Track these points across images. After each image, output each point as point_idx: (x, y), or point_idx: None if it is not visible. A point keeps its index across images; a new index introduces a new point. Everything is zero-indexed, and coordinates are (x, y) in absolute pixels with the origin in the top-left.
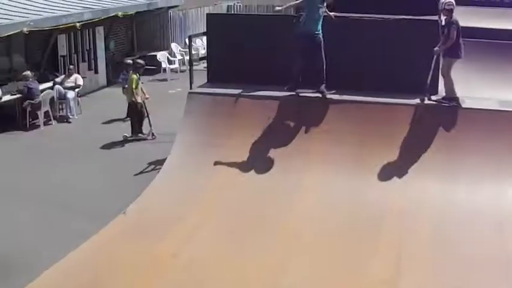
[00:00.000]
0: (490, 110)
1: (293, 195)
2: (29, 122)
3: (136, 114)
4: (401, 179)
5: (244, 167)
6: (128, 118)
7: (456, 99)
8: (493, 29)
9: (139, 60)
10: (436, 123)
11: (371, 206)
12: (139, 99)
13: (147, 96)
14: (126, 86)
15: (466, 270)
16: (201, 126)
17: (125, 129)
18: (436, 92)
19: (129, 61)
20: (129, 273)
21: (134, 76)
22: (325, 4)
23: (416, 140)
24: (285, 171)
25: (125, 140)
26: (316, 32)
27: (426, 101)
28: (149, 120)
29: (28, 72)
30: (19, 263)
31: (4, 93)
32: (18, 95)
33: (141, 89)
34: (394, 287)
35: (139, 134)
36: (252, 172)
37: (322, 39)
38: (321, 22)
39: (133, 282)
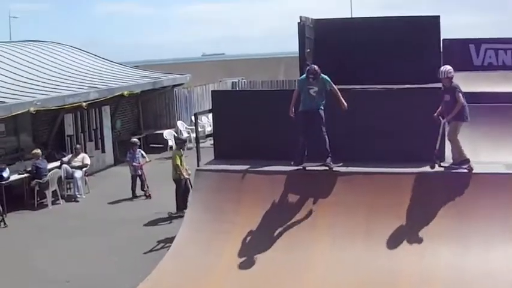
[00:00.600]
0: (498, 173)
1: (302, 272)
2: (37, 201)
3: (181, 190)
4: (412, 247)
5: (252, 244)
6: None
7: (467, 161)
8: (496, 93)
9: (181, 137)
10: (444, 189)
11: (382, 277)
12: (185, 175)
13: (189, 172)
14: (134, 163)
15: None
16: (209, 203)
17: (133, 207)
18: (443, 159)
19: (135, 140)
20: None
21: (177, 152)
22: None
23: (425, 207)
24: (293, 248)
25: (170, 217)
26: (314, 110)
27: (435, 168)
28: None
29: (38, 151)
30: None
31: (12, 173)
32: (26, 174)
33: (184, 165)
34: None
35: (184, 210)
36: (260, 249)
37: (322, 115)
38: (319, 100)
39: None
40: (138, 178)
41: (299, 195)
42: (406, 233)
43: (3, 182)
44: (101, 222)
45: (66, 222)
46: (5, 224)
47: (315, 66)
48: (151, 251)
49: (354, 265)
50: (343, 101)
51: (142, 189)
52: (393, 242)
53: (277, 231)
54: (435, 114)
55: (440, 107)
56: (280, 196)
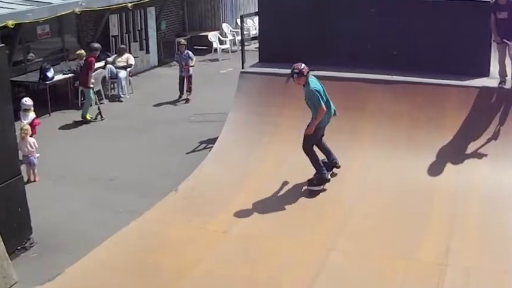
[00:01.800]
0: None
1: (342, 175)
2: (81, 101)
3: None
4: (452, 161)
5: (294, 145)
6: None
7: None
8: None
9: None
10: (490, 105)
11: (421, 187)
12: None
13: None
14: (183, 63)
15: None
16: (252, 105)
17: (176, 108)
18: (488, 74)
19: (183, 41)
20: (180, 247)
21: None
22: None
23: (469, 122)
24: (335, 149)
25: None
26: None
27: (481, 84)
28: None
29: (82, 51)
30: (73, 239)
31: (56, 73)
32: (70, 74)
33: None
34: (442, 268)
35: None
36: (302, 152)
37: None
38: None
39: (185, 255)
40: (184, 79)
41: (343, 101)
42: (447, 147)
43: (48, 82)
44: (144, 122)
45: (110, 121)
46: (102, 117)
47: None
48: (193, 151)
49: (392, 173)
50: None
51: (186, 91)
52: (432, 154)
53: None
54: (495, 36)
55: (494, 25)
56: None
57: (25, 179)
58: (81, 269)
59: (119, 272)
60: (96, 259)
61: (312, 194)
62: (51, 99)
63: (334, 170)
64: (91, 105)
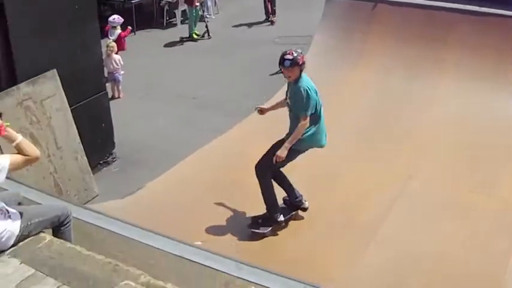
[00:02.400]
0: None
1: (424, 106)
2: (166, 20)
3: None
4: None
5: (378, 72)
6: None
7: None
8: None
9: None
10: None
11: (504, 122)
12: None
13: None
14: None
15: None
16: (337, 30)
17: (260, 29)
18: None
19: None
20: None
21: None
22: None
23: None
24: (417, 81)
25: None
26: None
27: None
28: None
29: None
30: (156, 155)
31: None
32: None
33: None
34: None
35: None
36: (385, 77)
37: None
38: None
39: None
40: (267, 1)
41: (429, 32)
42: None
43: (134, 1)
44: (229, 42)
45: (194, 41)
46: (209, 35)
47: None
48: (277, 73)
49: (475, 104)
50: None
51: (270, 13)
52: None
53: (402, 63)
54: None
55: None
56: (409, 30)
57: (110, 95)
58: (162, 184)
59: (200, 188)
60: (177, 175)
61: (255, 236)
62: (136, 18)
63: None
64: (195, 24)
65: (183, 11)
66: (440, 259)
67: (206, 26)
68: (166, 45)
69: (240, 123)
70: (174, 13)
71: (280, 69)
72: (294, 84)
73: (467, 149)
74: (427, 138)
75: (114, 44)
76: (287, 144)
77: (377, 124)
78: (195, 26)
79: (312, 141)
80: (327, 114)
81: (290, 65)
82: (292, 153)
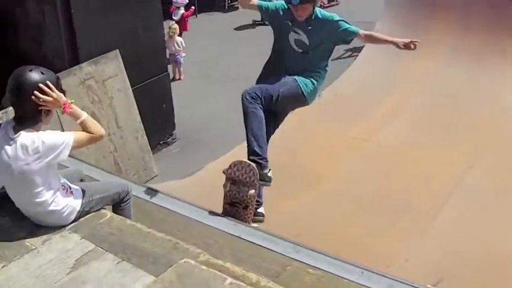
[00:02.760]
0: None
1: (487, 97)
2: (228, 3)
3: None
4: None
5: (441, 59)
6: None
7: None
8: None
9: None
10: None
11: None
12: None
13: None
14: None
15: None
16: (400, 17)
17: None
18: None
19: None
20: (320, 151)
21: None
22: None
23: None
24: (482, 71)
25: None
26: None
27: None
28: None
29: None
30: (216, 137)
31: None
32: None
33: None
34: None
35: None
36: (448, 66)
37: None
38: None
39: (324, 160)
40: None
41: (496, 20)
42: None
43: None
44: None
45: (255, 25)
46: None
47: None
48: (338, 58)
49: None
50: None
51: None
52: None
53: (466, 53)
54: None
55: None
56: (475, 17)
57: (171, 77)
58: (221, 166)
59: None
60: (237, 156)
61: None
62: (198, 1)
63: None
64: None
65: None
66: (495, 247)
67: None
68: (227, 28)
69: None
70: None
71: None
72: (310, 21)
73: None
74: (489, 129)
75: (176, 26)
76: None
77: (438, 113)
78: None
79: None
80: (386, 102)
81: (302, 1)
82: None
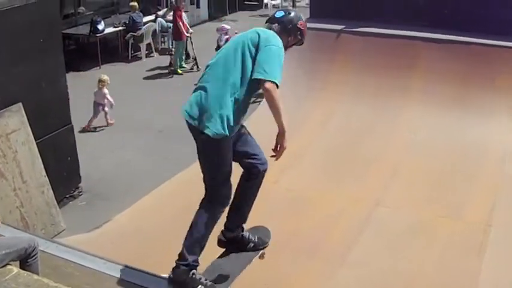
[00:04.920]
0: None
1: (391, 132)
2: (131, 53)
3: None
4: (503, 123)
5: (343, 101)
6: None
7: None
8: None
9: None
10: None
11: (470, 147)
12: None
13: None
14: None
15: None
16: (301, 60)
17: None
18: None
19: None
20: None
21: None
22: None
23: None
24: (384, 108)
25: None
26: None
27: None
28: None
29: (135, 3)
30: (123, 187)
31: (107, 26)
32: (121, 28)
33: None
34: (486, 228)
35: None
36: (352, 107)
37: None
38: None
39: None
40: None
41: (394, 59)
42: (499, 107)
43: (99, 35)
44: (195, 75)
45: (160, 74)
46: (198, 68)
47: None
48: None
49: (442, 131)
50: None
51: None
52: (485, 115)
53: (368, 93)
54: None
55: None
56: (374, 58)
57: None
58: (129, 217)
59: (167, 220)
60: (144, 207)
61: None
62: (101, 52)
63: None
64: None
65: (148, 45)
66: (411, 281)
67: (195, 58)
68: (131, 79)
69: None
70: (139, 46)
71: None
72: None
73: (434, 174)
74: (395, 163)
75: (106, 77)
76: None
77: (343, 149)
78: (181, 60)
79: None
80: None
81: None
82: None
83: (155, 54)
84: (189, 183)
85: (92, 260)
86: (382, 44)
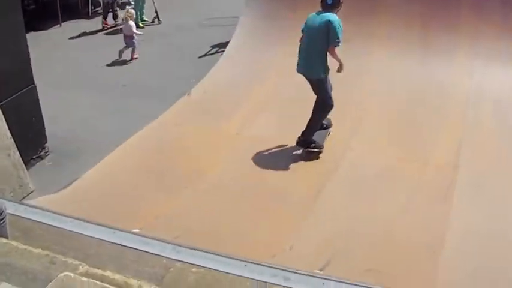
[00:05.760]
0: None
1: (356, 79)
2: (91, 10)
3: None
4: (467, 65)
5: None
6: None
7: None
8: None
9: None
10: (501, 8)
11: (435, 90)
12: None
13: None
14: None
15: None
16: (263, 9)
17: (186, 14)
18: None
19: None
20: (194, 149)
21: None
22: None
23: (482, 25)
24: (348, 55)
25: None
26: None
27: None
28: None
29: None
30: (89, 146)
31: None
32: None
33: None
34: (454, 170)
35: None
36: None
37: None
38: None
39: (199, 157)
40: None
41: (356, 4)
42: (462, 50)
43: None
44: (155, 30)
45: (121, 29)
46: (159, 20)
47: None
48: (205, 55)
49: (406, 76)
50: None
51: None
52: (448, 57)
53: None
54: None
55: None
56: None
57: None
58: (97, 174)
59: (135, 174)
60: (111, 163)
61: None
62: (61, 9)
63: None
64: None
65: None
66: (379, 225)
67: (156, 11)
68: (92, 35)
69: (171, 107)
70: (99, 2)
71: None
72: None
73: (399, 119)
74: (362, 109)
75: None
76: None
77: (308, 97)
78: (141, 13)
79: None
80: (254, 94)
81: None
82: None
83: (117, 9)
84: (154, 137)
85: (61, 220)
86: None
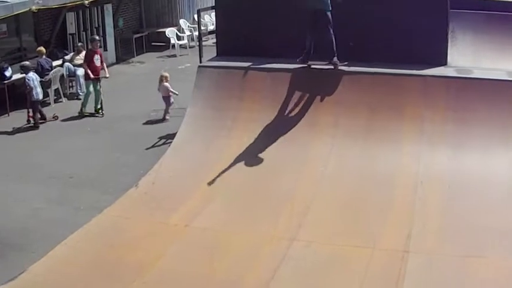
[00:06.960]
0: (499, 80)
1: (301, 167)
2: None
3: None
4: (412, 150)
5: (253, 139)
6: None
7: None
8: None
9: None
10: (445, 93)
11: (381, 176)
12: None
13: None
14: None
15: (476, 239)
16: (210, 99)
17: (134, 105)
18: (445, 63)
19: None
20: (141, 242)
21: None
22: None
23: (427, 111)
24: (294, 144)
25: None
26: (322, 11)
27: (439, 73)
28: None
29: (42, 48)
30: (35, 237)
31: (14, 72)
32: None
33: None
34: (404, 255)
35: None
36: (261, 144)
37: (329, 17)
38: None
39: (147, 250)
40: None
41: (302, 93)
42: (406, 136)
43: (6, 81)
44: (103, 119)
45: (68, 119)
46: (102, 113)
47: None
48: (153, 146)
49: (352, 163)
50: None
51: None
52: (393, 144)
53: (278, 129)
54: None
55: None
56: (282, 94)
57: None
58: (44, 267)
59: (82, 269)
60: (58, 256)
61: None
62: (9, 98)
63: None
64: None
65: (56, 90)
66: None
67: (101, 102)
68: (40, 126)
69: (118, 199)
70: (47, 92)
71: None
72: None
73: (347, 206)
74: (307, 198)
75: (167, 74)
76: None
77: (256, 187)
78: (86, 102)
79: None
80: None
81: None
82: None
83: (63, 99)
84: (102, 230)
85: None
86: (289, 79)
